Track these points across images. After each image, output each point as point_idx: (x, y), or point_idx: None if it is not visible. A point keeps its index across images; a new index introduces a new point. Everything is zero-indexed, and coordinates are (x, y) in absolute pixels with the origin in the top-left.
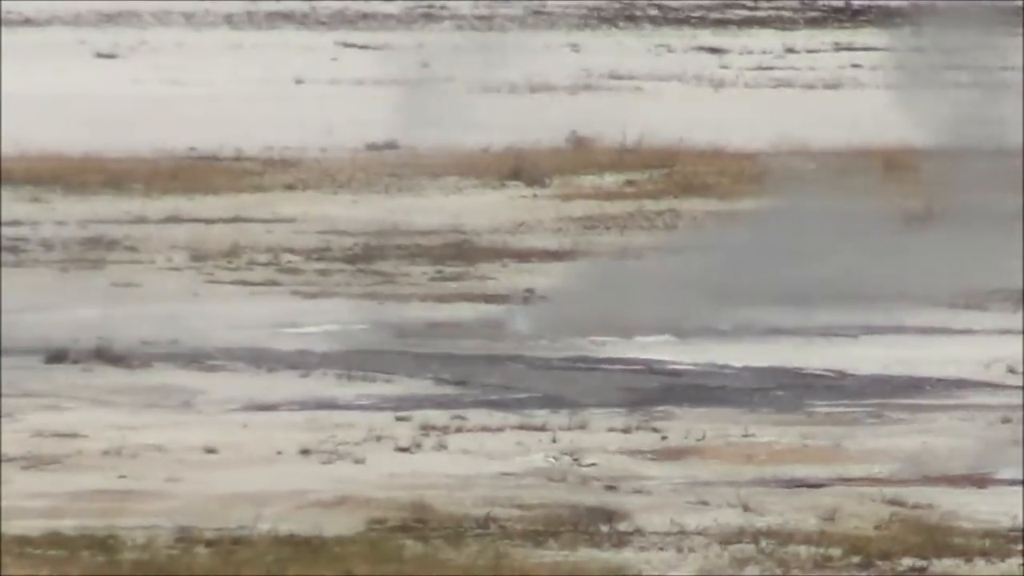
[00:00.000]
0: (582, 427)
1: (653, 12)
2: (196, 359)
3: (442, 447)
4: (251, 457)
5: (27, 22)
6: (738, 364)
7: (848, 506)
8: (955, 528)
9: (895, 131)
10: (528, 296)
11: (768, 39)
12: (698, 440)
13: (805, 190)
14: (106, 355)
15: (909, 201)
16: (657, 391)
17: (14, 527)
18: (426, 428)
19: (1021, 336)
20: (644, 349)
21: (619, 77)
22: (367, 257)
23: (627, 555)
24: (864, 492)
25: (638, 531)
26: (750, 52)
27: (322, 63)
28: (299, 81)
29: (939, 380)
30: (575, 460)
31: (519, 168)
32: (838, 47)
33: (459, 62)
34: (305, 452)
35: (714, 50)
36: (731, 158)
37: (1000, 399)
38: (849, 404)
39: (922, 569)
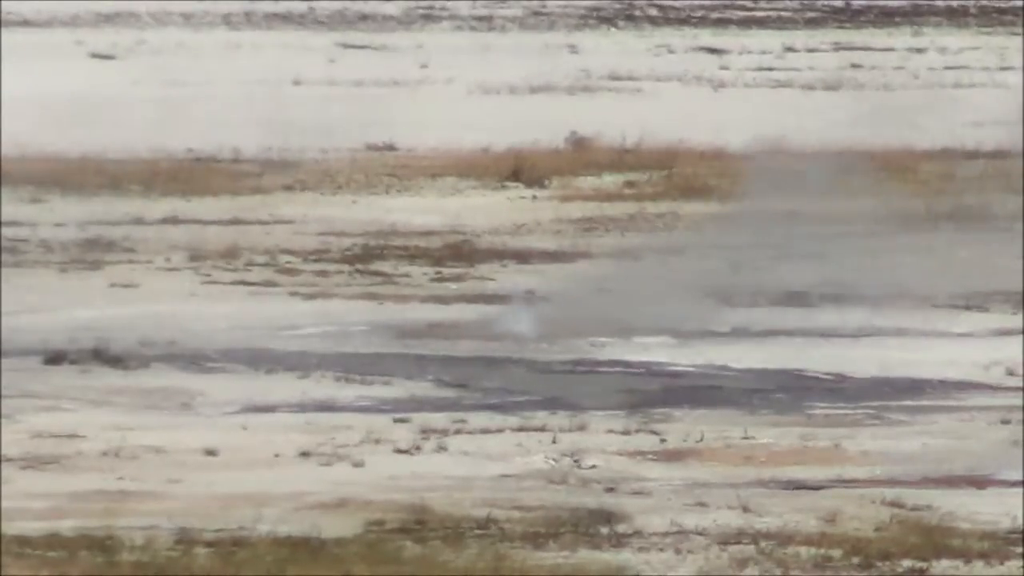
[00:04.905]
0: (582, 429)
1: (653, 12)
2: (195, 360)
3: (442, 449)
4: (250, 459)
5: (26, 23)
6: (737, 366)
7: (848, 508)
8: (955, 530)
9: (895, 131)
10: (528, 298)
11: (768, 39)
12: (697, 442)
13: (804, 190)
14: (105, 356)
15: (909, 201)
16: (656, 393)
17: (14, 527)
18: (426, 430)
19: (1020, 338)
20: (643, 351)
21: (619, 78)
22: (366, 258)
23: (627, 556)
24: (864, 494)
25: (638, 532)
26: (750, 52)
27: (321, 64)
28: (297, 82)
29: (939, 382)
30: (575, 462)
31: (518, 169)
32: (838, 47)
33: (458, 63)
34: (304, 454)
35: (714, 50)
36: (731, 159)
37: (999, 401)
38: (849, 406)
39: (922, 570)
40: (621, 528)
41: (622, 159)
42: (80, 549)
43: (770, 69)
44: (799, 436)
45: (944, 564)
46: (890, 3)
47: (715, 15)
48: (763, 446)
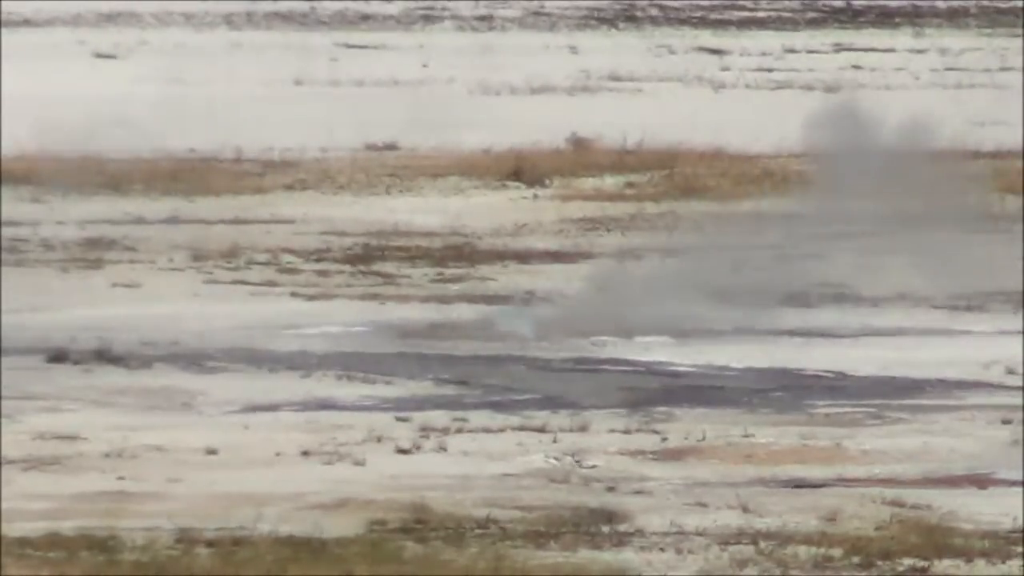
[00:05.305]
0: (582, 428)
1: (653, 12)
2: (196, 360)
3: (442, 448)
4: (251, 458)
5: (27, 22)
6: (738, 365)
7: (848, 507)
8: (955, 529)
9: (894, 131)
10: (528, 298)
11: (768, 40)
12: (698, 441)
13: (805, 190)
14: (106, 356)
15: (909, 201)
16: (657, 392)
17: (15, 528)
18: (426, 429)
19: (1020, 337)
20: (644, 350)
21: (619, 78)
22: (367, 258)
23: (627, 556)
24: (864, 493)
25: (638, 532)
26: (750, 53)
27: (322, 64)
28: (299, 82)
29: (939, 381)
30: (576, 461)
31: (519, 169)
32: (838, 48)
33: (459, 63)
34: (305, 453)
35: (714, 51)
36: (731, 160)
37: (1000, 400)
38: (849, 405)
39: (923, 570)
40: (622, 527)
41: (623, 159)
42: (81, 549)
43: (770, 70)
44: (799, 435)
45: (945, 563)
46: (891, 4)
47: (715, 15)
48: (763, 445)
